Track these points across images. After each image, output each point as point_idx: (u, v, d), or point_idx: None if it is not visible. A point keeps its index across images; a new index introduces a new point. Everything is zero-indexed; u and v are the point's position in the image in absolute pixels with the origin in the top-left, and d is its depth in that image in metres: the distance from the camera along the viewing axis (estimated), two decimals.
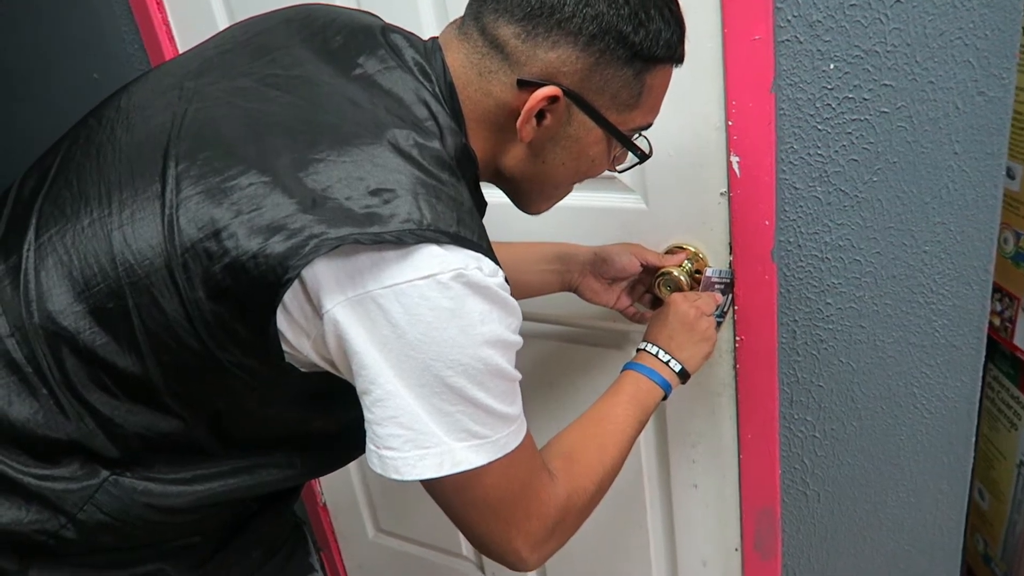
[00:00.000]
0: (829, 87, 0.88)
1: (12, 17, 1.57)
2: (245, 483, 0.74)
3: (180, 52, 1.35)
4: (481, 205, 0.77)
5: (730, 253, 1.03)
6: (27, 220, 0.69)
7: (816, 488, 1.13)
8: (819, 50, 0.87)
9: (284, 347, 0.64)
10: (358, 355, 0.61)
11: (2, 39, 1.63)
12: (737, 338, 1.07)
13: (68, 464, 0.67)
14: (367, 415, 0.64)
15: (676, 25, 0.71)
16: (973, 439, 1.02)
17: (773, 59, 0.89)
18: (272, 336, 0.62)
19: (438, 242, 0.60)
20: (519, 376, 0.68)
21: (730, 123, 0.94)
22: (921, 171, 0.88)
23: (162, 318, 0.62)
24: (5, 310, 0.66)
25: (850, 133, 0.89)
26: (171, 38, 1.36)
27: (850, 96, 0.88)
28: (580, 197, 1.10)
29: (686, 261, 1.03)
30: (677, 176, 1.02)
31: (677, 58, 0.73)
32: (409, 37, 0.73)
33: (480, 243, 0.64)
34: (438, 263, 0.60)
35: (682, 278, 1.02)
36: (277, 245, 0.58)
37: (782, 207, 0.96)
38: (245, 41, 0.73)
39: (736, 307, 1.04)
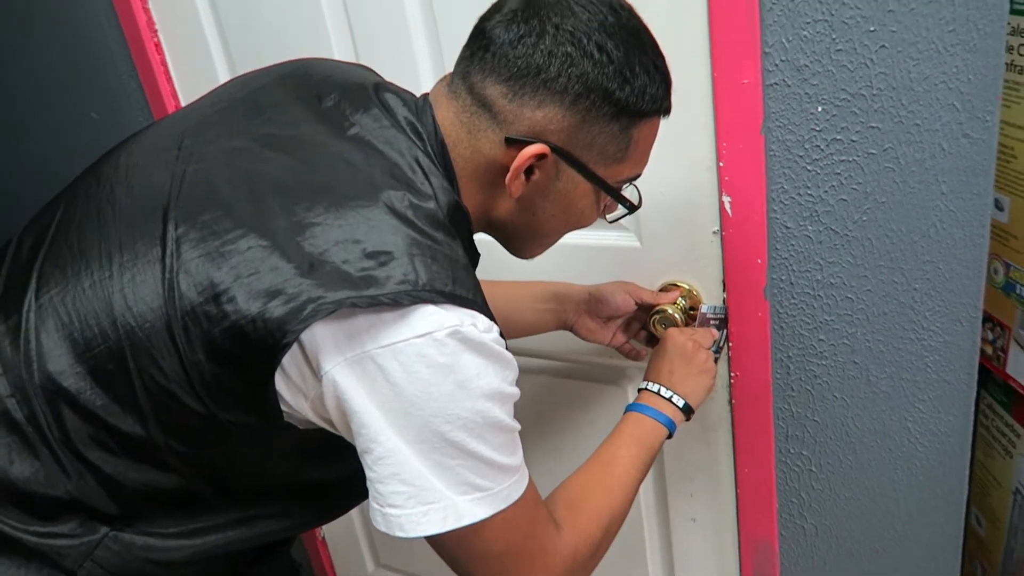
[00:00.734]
0: (817, 129, 0.90)
1: (11, 55, 1.58)
2: (244, 535, 0.74)
3: (177, 91, 1.37)
4: (475, 259, 0.78)
5: (724, 290, 1.04)
6: (27, 280, 0.69)
7: (814, 521, 1.13)
8: (807, 93, 0.89)
9: (283, 407, 0.65)
10: (358, 414, 0.61)
11: (1, 79, 1.64)
12: (732, 374, 1.08)
13: (67, 521, 0.68)
14: (369, 474, 0.64)
15: (661, 80, 0.72)
16: (967, 472, 1.02)
17: (762, 102, 0.90)
18: (271, 397, 0.63)
19: (434, 301, 0.61)
20: (518, 427, 0.69)
21: (721, 164, 0.95)
22: (909, 211, 0.90)
23: (163, 379, 0.63)
24: (5, 370, 0.67)
25: (839, 174, 0.91)
26: (169, 78, 1.38)
27: (838, 138, 0.89)
28: (575, 236, 1.10)
29: (680, 298, 1.04)
30: (670, 215, 1.03)
31: (664, 110, 0.74)
32: (401, 95, 0.75)
33: (475, 300, 0.64)
34: (434, 321, 0.61)
35: (677, 315, 1.03)
36: (276, 309, 0.59)
37: (774, 245, 0.98)
38: (242, 98, 0.74)
39: (731, 343, 1.05)
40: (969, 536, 1.33)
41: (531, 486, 0.70)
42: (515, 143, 0.70)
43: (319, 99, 0.72)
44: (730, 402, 1.11)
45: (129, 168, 0.71)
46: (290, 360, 0.62)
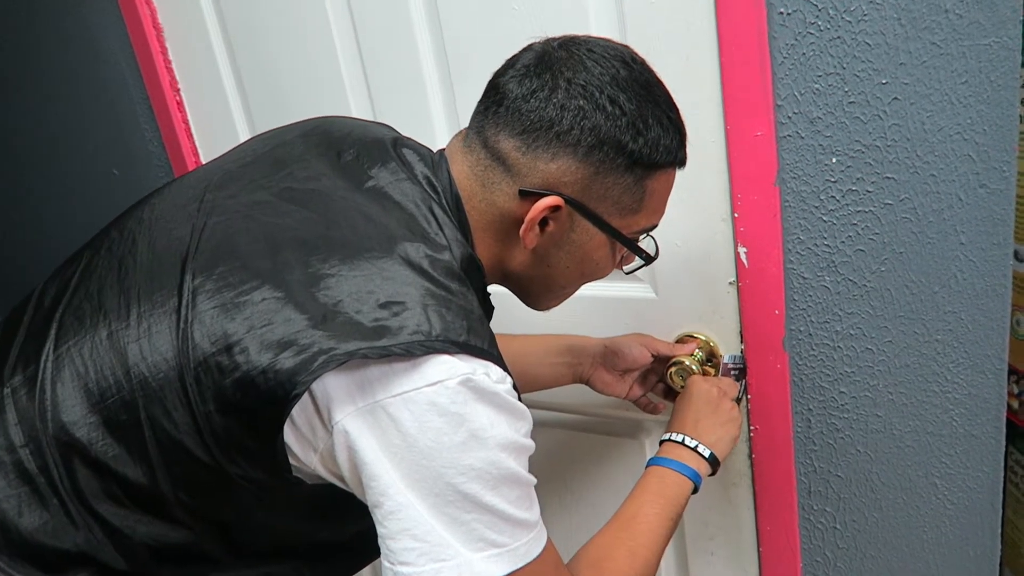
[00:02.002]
0: (832, 180, 0.90)
1: (35, 112, 1.63)
2: None
3: (198, 148, 1.39)
4: (489, 311, 0.77)
5: (741, 341, 1.03)
6: (47, 330, 0.70)
7: None
8: (821, 145, 0.89)
9: (292, 461, 0.64)
10: (368, 466, 0.60)
11: (25, 134, 1.68)
12: (752, 427, 1.05)
13: (75, 575, 0.67)
14: (380, 530, 0.63)
15: (675, 131, 0.72)
16: (999, 530, 0.99)
17: (776, 154, 0.91)
18: (280, 450, 0.62)
19: (447, 351, 0.61)
20: (534, 481, 0.67)
21: (736, 215, 0.95)
22: (928, 261, 0.89)
23: (173, 430, 0.63)
24: (21, 420, 0.66)
25: (855, 224, 0.91)
26: (190, 136, 1.41)
27: (853, 189, 0.89)
28: (591, 287, 1.10)
29: (697, 350, 1.03)
30: (686, 266, 1.03)
31: (678, 162, 0.75)
32: (418, 150, 0.76)
33: (490, 351, 0.64)
34: (446, 370, 0.60)
35: (694, 367, 1.02)
36: (287, 361, 0.59)
37: (791, 296, 0.97)
38: (265, 154, 0.76)
39: (749, 395, 1.04)
40: None
41: (551, 546, 0.68)
42: (529, 195, 0.70)
43: (339, 154, 0.74)
44: (750, 456, 1.08)
45: (152, 222, 0.72)
46: (300, 411, 0.61)
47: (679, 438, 0.91)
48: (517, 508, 0.64)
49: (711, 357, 1.05)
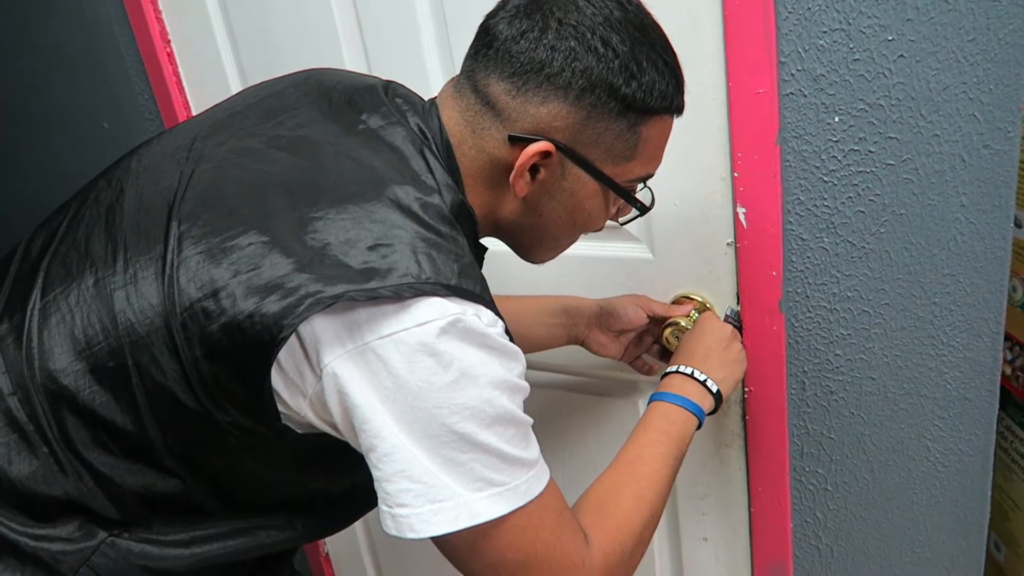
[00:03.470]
0: (834, 140, 0.89)
1: (24, 66, 1.59)
2: (244, 545, 0.72)
3: (190, 101, 1.37)
4: (480, 254, 0.76)
5: (738, 303, 1.02)
6: (33, 279, 0.69)
7: (829, 542, 1.10)
8: (823, 103, 0.87)
9: (280, 408, 0.63)
10: (359, 409, 0.60)
11: (13, 87, 1.65)
12: (746, 389, 1.05)
13: (65, 524, 0.66)
14: (375, 473, 0.62)
15: (671, 75, 0.70)
16: (988, 493, 1.00)
17: (778, 112, 0.89)
18: (267, 396, 0.61)
19: (436, 293, 0.60)
20: (531, 421, 0.66)
21: (736, 175, 0.94)
22: (929, 223, 0.88)
23: (160, 377, 0.62)
24: (8, 368, 0.66)
25: (856, 185, 0.89)
26: (181, 89, 1.38)
27: (855, 148, 0.88)
28: (586, 247, 1.10)
29: (693, 311, 1.03)
30: (683, 226, 1.02)
31: (675, 109, 0.73)
32: (409, 97, 0.74)
33: (481, 295, 0.63)
34: (436, 311, 0.59)
35: (690, 328, 1.01)
36: (272, 305, 0.58)
37: (789, 258, 0.96)
38: (255, 103, 0.74)
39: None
40: (988, 562, 1.29)
41: (553, 487, 0.66)
42: (519, 141, 0.69)
43: (329, 101, 0.72)
44: (744, 418, 1.09)
45: (140, 171, 0.71)
46: (287, 355, 0.60)
47: (687, 370, 0.89)
48: (514, 447, 0.63)
49: None
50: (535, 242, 0.79)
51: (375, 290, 0.58)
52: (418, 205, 0.64)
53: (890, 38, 0.82)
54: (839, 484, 1.06)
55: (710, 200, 0.99)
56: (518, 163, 0.68)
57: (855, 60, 0.84)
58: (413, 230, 0.62)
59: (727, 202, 0.97)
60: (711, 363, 0.90)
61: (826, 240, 0.93)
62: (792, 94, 0.89)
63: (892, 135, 0.86)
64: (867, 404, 1.00)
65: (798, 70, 0.87)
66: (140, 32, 1.34)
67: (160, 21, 1.33)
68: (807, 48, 0.86)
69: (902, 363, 0.96)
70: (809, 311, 0.98)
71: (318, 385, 0.61)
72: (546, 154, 0.68)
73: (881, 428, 1.01)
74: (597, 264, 1.11)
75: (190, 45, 1.33)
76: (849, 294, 0.95)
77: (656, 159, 0.76)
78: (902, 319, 0.94)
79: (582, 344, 1.06)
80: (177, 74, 1.37)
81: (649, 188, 0.80)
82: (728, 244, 1.00)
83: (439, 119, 0.71)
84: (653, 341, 1.07)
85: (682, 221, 1.02)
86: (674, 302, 1.06)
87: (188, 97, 1.39)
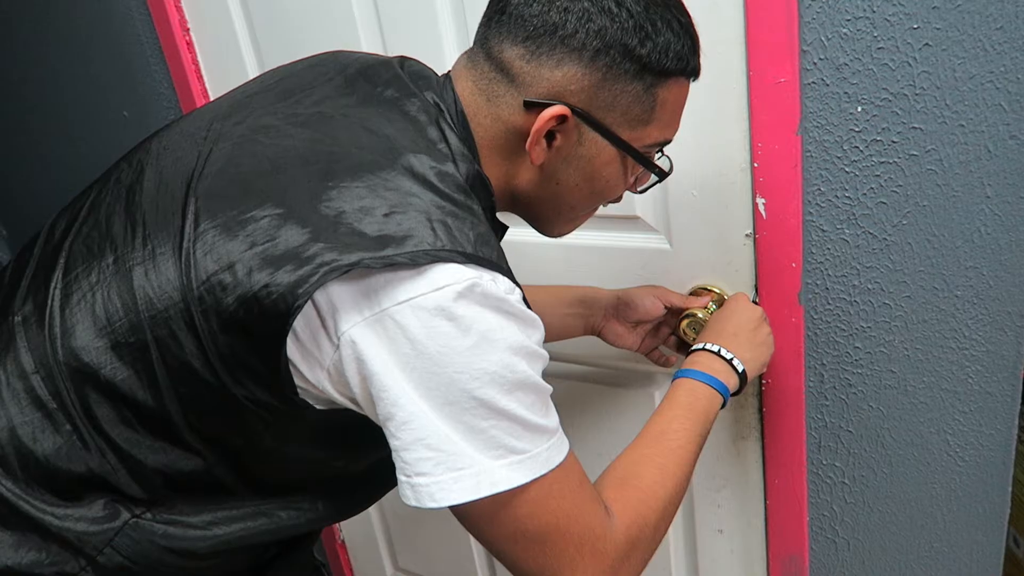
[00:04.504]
0: (857, 130, 0.87)
1: (45, 55, 1.60)
2: (266, 527, 0.73)
3: (208, 89, 1.37)
4: (500, 231, 0.76)
5: (756, 295, 1.01)
6: (55, 261, 0.69)
7: (845, 536, 1.10)
8: (846, 93, 0.86)
9: (298, 381, 0.63)
10: (377, 376, 0.59)
11: (35, 77, 1.66)
12: (764, 381, 1.05)
13: (91, 504, 0.67)
14: (393, 443, 0.61)
15: (687, 37, 0.69)
16: (1009, 488, 0.98)
17: (799, 102, 0.88)
18: (284, 369, 0.61)
19: (453, 260, 0.59)
20: (550, 388, 0.65)
21: (756, 164, 0.93)
22: (952, 215, 0.87)
23: (179, 352, 0.62)
24: (31, 347, 0.66)
25: (878, 176, 0.88)
26: (199, 77, 1.38)
27: (878, 139, 0.87)
28: (603, 237, 1.09)
29: (711, 303, 1.02)
30: (701, 217, 1.01)
31: (691, 71, 0.71)
32: (423, 71, 0.74)
33: (499, 263, 0.63)
34: (452, 275, 0.58)
35: (707, 320, 1.00)
36: (287, 275, 0.58)
37: (809, 249, 0.95)
38: (273, 84, 0.74)
39: None
40: (1006, 557, 1.28)
41: (572, 456, 0.65)
42: (534, 107, 0.68)
43: (345, 77, 0.72)
44: (760, 410, 1.08)
45: (160, 151, 0.71)
46: (303, 326, 0.60)
47: (715, 348, 0.88)
48: (534, 414, 0.62)
49: None
50: (553, 213, 0.78)
51: (391, 257, 0.57)
52: (433, 173, 0.63)
53: (915, 26, 0.81)
54: (857, 478, 1.05)
55: (729, 190, 0.98)
56: (534, 129, 0.67)
57: (879, 49, 0.83)
58: (428, 198, 0.61)
59: (746, 193, 0.96)
60: (739, 342, 0.89)
61: (847, 231, 0.92)
62: (814, 83, 0.87)
63: (916, 125, 0.85)
64: (886, 398, 0.99)
65: (820, 58, 0.86)
66: (160, 21, 1.34)
67: (179, 10, 1.33)
68: (830, 36, 0.85)
69: (923, 356, 0.95)
70: (829, 303, 0.97)
71: (336, 354, 0.60)
72: (562, 119, 0.68)
73: (900, 422, 1.00)
74: (614, 255, 1.10)
75: (209, 33, 1.34)
76: (870, 286, 0.94)
77: (673, 124, 0.74)
78: (923, 312, 0.92)
79: (598, 335, 1.05)
80: (196, 62, 1.37)
81: (668, 156, 0.78)
82: (747, 235, 0.99)
83: (453, 91, 0.71)
84: (670, 332, 1.06)
85: (700, 211, 1.01)
86: (691, 294, 1.05)
87: (207, 85, 1.39)
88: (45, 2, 1.52)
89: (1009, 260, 0.86)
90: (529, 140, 0.68)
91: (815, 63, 0.86)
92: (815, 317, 0.99)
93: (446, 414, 0.59)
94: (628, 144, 0.71)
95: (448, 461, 0.59)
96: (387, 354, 0.58)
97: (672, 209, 1.02)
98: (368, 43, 1.18)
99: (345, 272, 0.57)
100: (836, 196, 0.91)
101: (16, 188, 1.93)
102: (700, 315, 1.00)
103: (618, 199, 0.79)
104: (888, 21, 0.82)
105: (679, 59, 0.68)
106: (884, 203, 0.89)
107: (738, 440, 1.12)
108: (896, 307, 0.94)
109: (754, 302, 1.01)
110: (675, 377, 0.87)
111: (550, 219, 0.79)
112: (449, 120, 0.69)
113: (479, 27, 0.72)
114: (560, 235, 0.82)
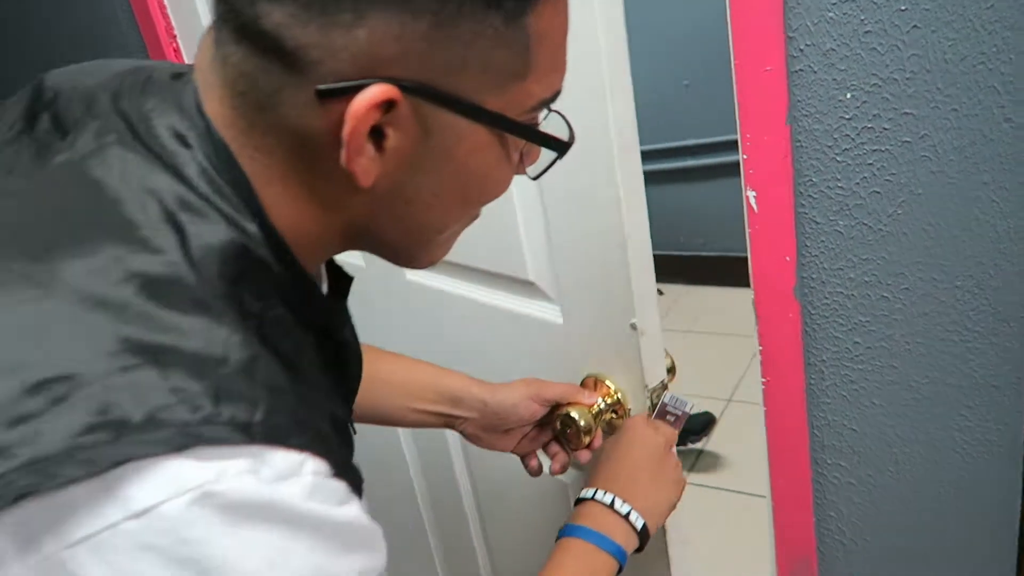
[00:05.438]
0: (847, 117, 0.85)
1: (31, 61, 1.61)
2: None
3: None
4: (341, 294, 0.57)
5: (657, 409, 0.90)
6: None
7: (854, 537, 1.06)
8: (835, 79, 0.84)
9: None
10: None
11: (20, 82, 1.67)
12: (763, 379, 1.02)
13: None
14: None
15: None
16: (1021, 484, 0.95)
17: (787, 90, 0.86)
18: None
19: (169, 447, 0.36)
20: None
21: (745, 156, 0.90)
22: (948, 203, 0.83)
23: None
24: None
25: (871, 164, 0.85)
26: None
27: (869, 126, 0.84)
28: (495, 298, 1.00)
29: (600, 401, 0.89)
30: (594, 287, 0.91)
31: None
32: (163, 90, 0.48)
33: (286, 425, 0.40)
34: (169, 482, 0.36)
35: (582, 422, 0.86)
36: None
37: (803, 243, 0.92)
38: None
39: (761, 347, 1.00)
40: (1020, 556, 1.24)
41: None
42: (334, 96, 0.42)
43: (33, 125, 0.50)
44: (762, 409, 1.05)
45: None
46: None
47: (607, 499, 0.72)
48: None
49: (615, 410, 0.93)
50: (411, 242, 0.54)
51: (44, 471, 0.34)
52: (127, 285, 0.39)
53: (903, 8, 0.78)
54: (863, 478, 1.02)
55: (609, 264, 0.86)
56: (346, 133, 0.43)
57: (867, 32, 0.80)
58: (117, 337, 0.38)
59: (624, 268, 0.86)
60: (638, 488, 0.74)
61: (841, 223, 0.89)
62: (801, 71, 0.85)
63: (907, 111, 0.82)
64: (890, 394, 0.96)
65: (807, 45, 0.83)
66: (145, 27, 1.35)
67: (166, 16, 1.33)
68: (816, 21, 0.82)
69: (925, 350, 0.92)
70: (825, 298, 0.94)
71: None
72: (388, 105, 0.43)
73: (905, 418, 0.96)
74: (509, 321, 0.99)
75: (195, 39, 1.33)
76: (867, 279, 0.91)
77: (559, 66, 0.49)
78: (923, 304, 0.89)
79: (463, 436, 0.91)
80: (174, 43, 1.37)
81: (560, 114, 0.53)
82: (632, 326, 0.85)
83: (199, 107, 0.46)
84: (552, 436, 0.90)
85: (592, 281, 0.91)
86: (583, 384, 0.93)
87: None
88: (30, 8, 1.53)
89: (1009, 248, 0.83)
90: (344, 153, 0.44)
91: (801, 50, 0.84)
92: (812, 312, 0.96)
93: None
94: (500, 115, 0.47)
95: None
96: None
97: (562, 276, 0.90)
98: None
99: None
100: (828, 187, 0.88)
101: None
102: (581, 422, 0.85)
103: (502, 192, 0.54)
104: (875, 3, 0.79)
105: None
106: (878, 192, 0.86)
107: None
108: (895, 300, 0.90)
109: (675, 398, 0.87)
110: (561, 535, 0.73)
111: (410, 250, 0.55)
112: (201, 160, 0.45)
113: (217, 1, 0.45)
114: (431, 264, 0.57)
